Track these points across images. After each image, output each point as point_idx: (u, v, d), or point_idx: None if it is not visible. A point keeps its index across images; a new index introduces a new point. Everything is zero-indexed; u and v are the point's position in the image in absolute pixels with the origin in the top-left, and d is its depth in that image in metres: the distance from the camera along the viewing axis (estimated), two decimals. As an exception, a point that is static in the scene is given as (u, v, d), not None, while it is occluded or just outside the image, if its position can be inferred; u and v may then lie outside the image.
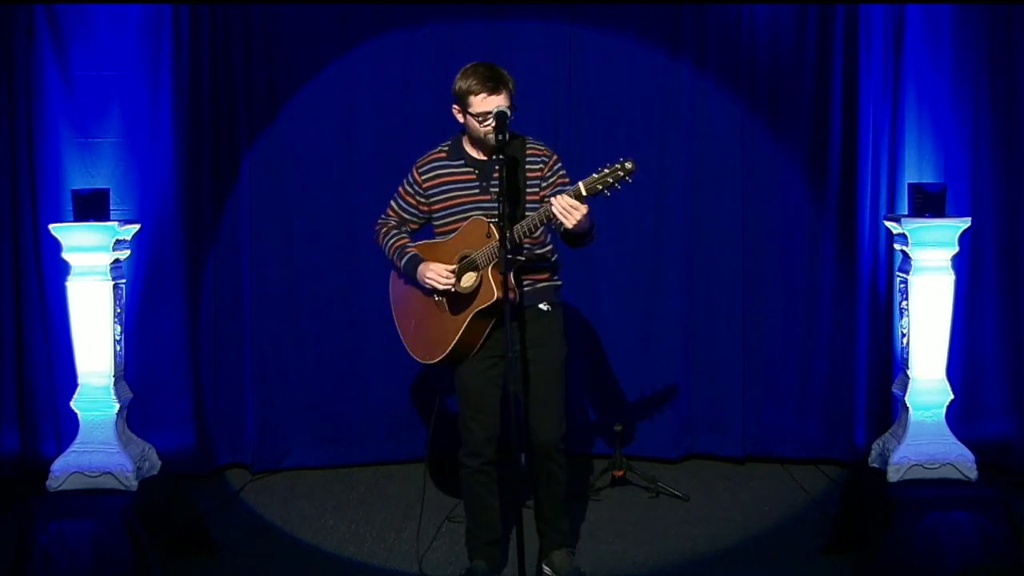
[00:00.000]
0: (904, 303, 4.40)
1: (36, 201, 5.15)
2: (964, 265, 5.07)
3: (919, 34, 5.21)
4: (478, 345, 3.87)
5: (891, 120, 5.26)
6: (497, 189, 3.69)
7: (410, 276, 3.93)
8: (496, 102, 3.71)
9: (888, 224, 4.62)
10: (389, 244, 4.01)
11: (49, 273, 5.11)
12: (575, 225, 3.57)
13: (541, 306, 3.90)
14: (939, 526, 3.94)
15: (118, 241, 4.31)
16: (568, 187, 3.71)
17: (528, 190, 3.85)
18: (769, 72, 5.42)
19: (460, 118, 3.83)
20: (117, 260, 4.35)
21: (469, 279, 3.82)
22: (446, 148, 3.93)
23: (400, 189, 4.01)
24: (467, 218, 3.84)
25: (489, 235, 3.75)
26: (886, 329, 5.25)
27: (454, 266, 3.82)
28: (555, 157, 3.92)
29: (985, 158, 5.24)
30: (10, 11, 5.09)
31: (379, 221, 4.09)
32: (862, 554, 4.15)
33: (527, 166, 3.86)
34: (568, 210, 3.56)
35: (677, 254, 5.49)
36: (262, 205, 5.42)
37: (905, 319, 4.40)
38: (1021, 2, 5.15)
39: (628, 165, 3.55)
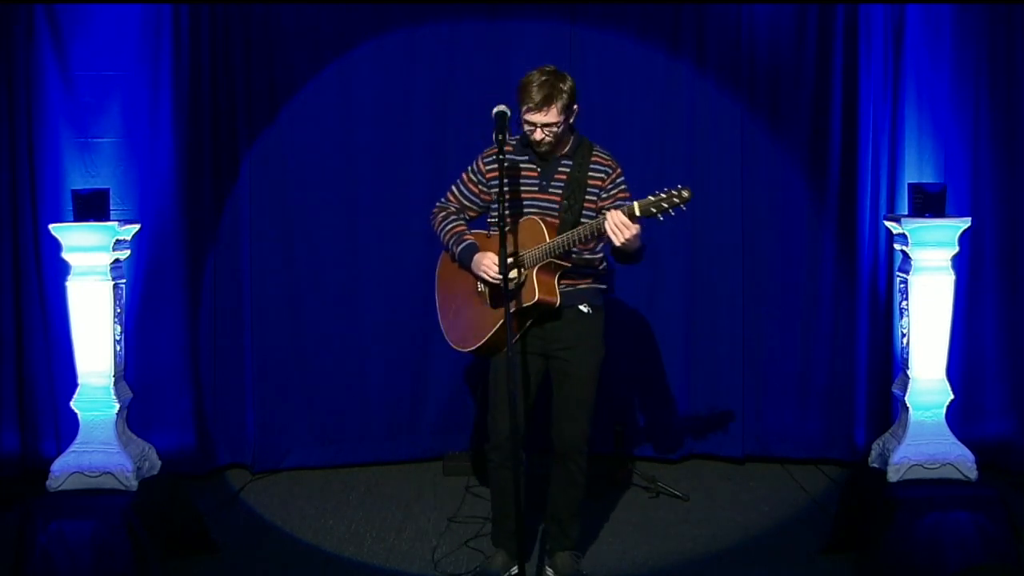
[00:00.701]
0: (904, 303, 4.40)
1: (36, 201, 5.15)
2: (964, 265, 5.07)
3: (919, 34, 5.21)
4: (513, 340, 3.86)
5: (891, 120, 5.26)
6: (560, 189, 3.76)
7: (465, 263, 3.94)
8: (539, 118, 3.73)
9: (888, 224, 4.62)
10: (447, 228, 4.02)
11: (49, 273, 5.11)
12: (623, 244, 3.61)
13: (581, 307, 3.91)
14: (939, 526, 3.94)
15: (118, 241, 4.31)
16: (624, 203, 3.73)
17: (587, 197, 3.86)
18: (769, 72, 5.42)
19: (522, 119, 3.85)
20: (117, 260, 4.35)
21: (515, 275, 3.82)
22: (514, 140, 3.94)
23: (463, 175, 4.03)
24: (523, 213, 3.86)
25: (532, 230, 3.77)
26: (886, 329, 5.26)
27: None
28: (619, 170, 3.92)
29: (985, 158, 5.24)
30: (10, 11, 5.09)
31: (437, 205, 4.10)
32: (862, 554, 4.15)
33: (590, 173, 3.87)
34: (620, 228, 3.60)
35: (677, 254, 5.49)
36: (262, 205, 5.42)
37: (905, 319, 4.40)
38: (1021, 2, 5.15)
39: (685, 194, 3.57)
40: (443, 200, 4.09)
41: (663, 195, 3.59)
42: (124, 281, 4.45)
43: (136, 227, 4.46)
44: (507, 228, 3.69)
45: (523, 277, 3.80)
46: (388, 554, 4.40)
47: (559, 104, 3.72)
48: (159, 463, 4.47)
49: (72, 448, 4.28)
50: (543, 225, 3.79)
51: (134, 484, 4.21)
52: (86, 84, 5.15)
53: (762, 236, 5.49)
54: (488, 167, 3.94)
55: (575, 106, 3.80)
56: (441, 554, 4.35)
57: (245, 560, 4.36)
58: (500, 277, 3.75)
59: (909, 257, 4.33)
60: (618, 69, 5.47)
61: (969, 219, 4.33)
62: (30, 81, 5.12)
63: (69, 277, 4.30)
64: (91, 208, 4.26)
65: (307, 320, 5.51)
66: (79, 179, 5.08)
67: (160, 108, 5.22)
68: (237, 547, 4.47)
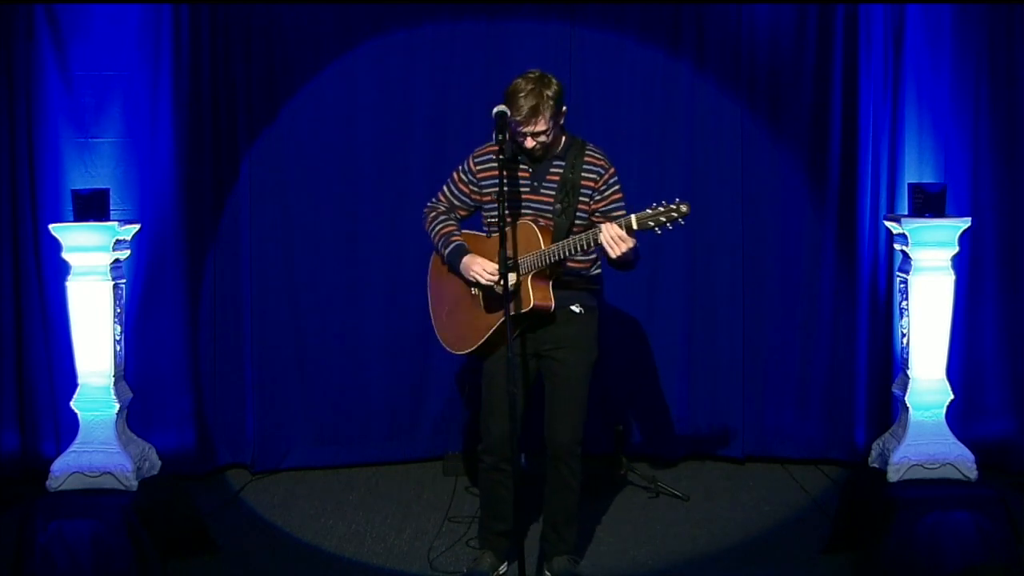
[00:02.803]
0: (904, 303, 4.40)
1: (36, 201, 5.14)
2: (964, 265, 5.07)
3: (919, 34, 5.21)
4: (504, 345, 3.86)
5: (891, 120, 5.26)
6: (552, 191, 3.75)
7: (453, 265, 3.91)
8: (527, 127, 3.71)
9: (888, 224, 4.62)
10: (436, 229, 3.99)
11: (49, 273, 5.10)
12: (619, 256, 3.60)
13: (573, 308, 3.89)
14: (939, 526, 3.94)
15: (118, 241, 4.31)
16: (618, 211, 3.74)
17: (580, 199, 3.83)
18: (769, 72, 5.42)
19: None
20: (117, 260, 4.35)
21: (510, 281, 3.81)
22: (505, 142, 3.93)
23: (454, 175, 4.01)
24: (516, 215, 3.83)
25: (527, 233, 3.75)
26: (886, 329, 5.25)
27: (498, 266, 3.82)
28: (612, 170, 3.87)
29: (985, 158, 5.24)
30: (10, 11, 5.09)
31: (428, 205, 4.07)
32: (862, 554, 4.15)
33: (583, 174, 3.84)
34: (616, 241, 3.59)
35: (677, 254, 5.49)
36: (262, 205, 5.42)
37: (905, 319, 4.40)
38: (1021, 2, 5.15)
39: (684, 208, 3.56)
40: (433, 200, 4.06)
41: (661, 209, 3.57)
42: (124, 281, 4.45)
43: (136, 227, 4.46)
44: (506, 227, 3.67)
45: (518, 283, 3.78)
46: (388, 554, 4.40)
47: (547, 113, 3.69)
48: (159, 463, 4.47)
49: (72, 448, 4.28)
50: (538, 230, 3.77)
51: (134, 484, 4.21)
52: (86, 84, 5.14)
53: (762, 236, 5.49)
54: (479, 167, 3.92)
55: (563, 108, 3.77)
56: (436, 553, 4.35)
57: (245, 560, 4.35)
58: (493, 281, 3.75)
59: (909, 257, 4.33)
60: (618, 69, 5.47)
61: (969, 219, 4.33)
62: (30, 81, 5.12)
63: (69, 277, 4.31)
64: (91, 208, 4.27)
65: (307, 320, 5.51)
66: (79, 179, 5.08)
67: (160, 108, 5.22)
68: (237, 547, 4.46)
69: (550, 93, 3.70)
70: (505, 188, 3.69)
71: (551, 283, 3.80)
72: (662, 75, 5.47)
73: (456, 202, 4.01)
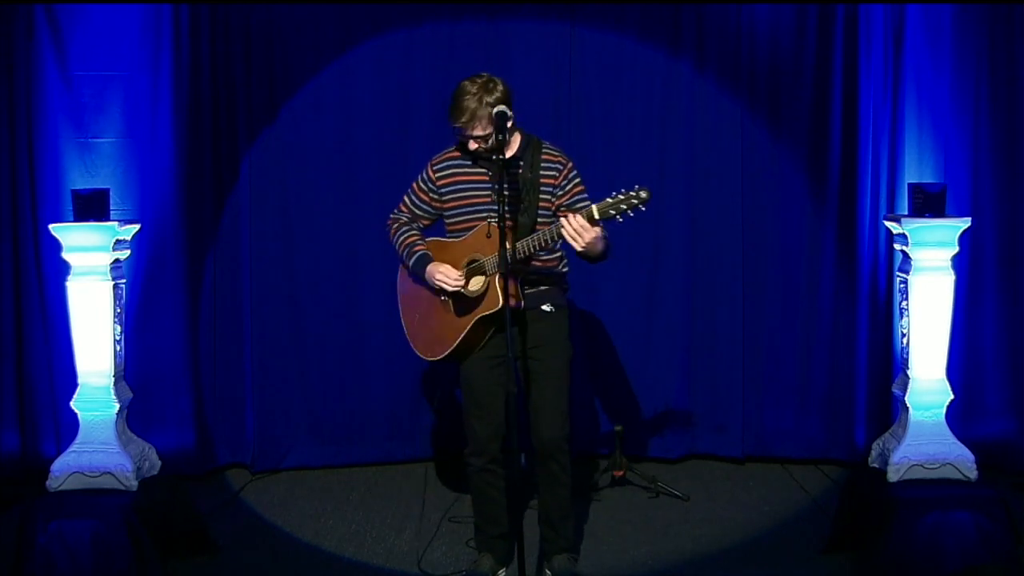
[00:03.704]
0: (904, 303, 4.40)
1: (36, 201, 5.14)
2: (964, 265, 5.07)
3: (919, 34, 5.21)
4: (479, 346, 3.89)
5: (891, 120, 5.26)
6: (507, 191, 3.70)
7: (418, 274, 3.93)
8: (469, 133, 3.73)
9: (888, 224, 4.62)
10: (400, 240, 4.01)
11: (49, 273, 5.10)
12: (584, 247, 3.60)
13: (544, 307, 3.89)
14: (939, 526, 3.94)
15: (118, 241, 4.31)
16: (582, 203, 3.73)
17: (541, 197, 3.84)
18: (769, 72, 5.42)
19: None
20: (117, 260, 4.35)
21: (477, 283, 3.82)
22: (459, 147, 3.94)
23: (414, 184, 4.02)
24: (479, 218, 3.84)
25: (489, 235, 3.75)
26: (886, 329, 5.25)
27: (463, 270, 3.83)
28: (570, 164, 3.89)
29: (985, 158, 5.24)
30: (10, 11, 5.09)
31: (391, 216, 4.08)
32: (862, 554, 4.15)
33: (541, 172, 3.84)
34: (578, 232, 3.58)
35: (677, 254, 5.49)
36: (262, 205, 5.42)
37: (905, 319, 4.40)
38: (1021, 2, 5.15)
39: (643, 194, 3.54)
40: (395, 211, 4.07)
41: (621, 196, 3.56)
42: (124, 281, 4.45)
43: (136, 227, 4.46)
44: (501, 226, 3.61)
45: (486, 284, 3.79)
46: (388, 554, 4.40)
47: (484, 120, 3.71)
48: (159, 463, 4.48)
49: (72, 448, 4.29)
50: (490, 224, 3.76)
51: (134, 484, 4.22)
52: (86, 84, 5.14)
53: (762, 236, 5.49)
54: (438, 174, 3.92)
55: (510, 112, 3.74)
56: (435, 553, 4.35)
57: (245, 560, 4.36)
58: (458, 286, 3.79)
59: (909, 257, 4.33)
60: (618, 69, 5.47)
61: (969, 219, 4.34)
62: (30, 81, 5.12)
63: (69, 277, 4.31)
64: (91, 208, 4.27)
65: (307, 320, 5.51)
66: (79, 179, 5.08)
67: (160, 108, 5.22)
68: (237, 547, 4.46)
69: (491, 99, 3.72)
70: (506, 190, 3.68)
71: (519, 281, 3.79)
72: (662, 75, 5.47)
73: (418, 211, 4.02)
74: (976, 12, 5.18)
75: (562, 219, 3.61)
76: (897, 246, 4.47)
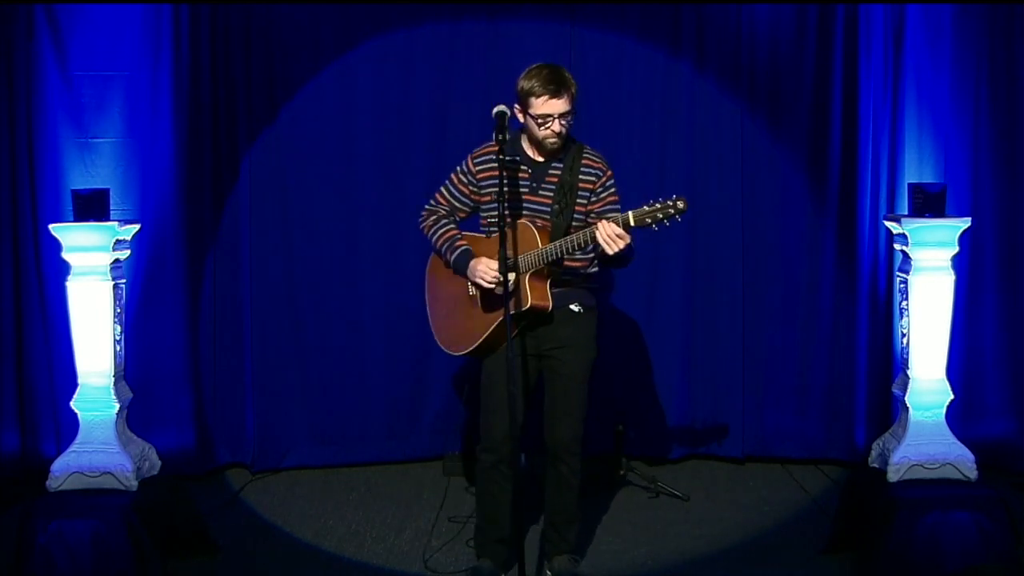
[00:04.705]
0: (904, 303, 4.40)
1: (36, 201, 5.14)
2: (964, 265, 5.07)
3: (919, 34, 5.21)
4: (503, 345, 3.85)
5: (891, 120, 5.26)
6: (551, 192, 3.75)
7: (460, 270, 3.89)
8: (557, 107, 3.71)
9: (888, 224, 4.62)
10: (439, 233, 3.97)
11: (49, 273, 5.10)
12: (615, 253, 3.60)
13: (572, 307, 3.88)
14: (939, 526, 3.94)
15: (118, 241, 4.31)
16: (615, 211, 3.74)
17: (578, 201, 3.84)
18: (769, 72, 5.42)
19: (521, 118, 3.82)
20: (117, 260, 4.35)
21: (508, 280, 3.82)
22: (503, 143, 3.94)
23: (452, 177, 3.99)
24: (515, 216, 3.83)
25: (532, 230, 3.76)
26: (886, 329, 5.25)
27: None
28: (609, 173, 3.89)
29: (985, 158, 5.24)
30: (10, 11, 5.09)
31: (427, 208, 4.05)
32: (862, 554, 4.15)
33: (580, 176, 3.84)
34: (612, 239, 3.58)
35: (677, 254, 5.49)
36: (262, 205, 5.42)
37: (905, 319, 4.40)
38: (1021, 2, 5.15)
39: (680, 204, 3.55)
40: (432, 203, 4.04)
41: (658, 205, 3.57)
42: (124, 281, 4.45)
43: (136, 227, 4.46)
44: (505, 227, 3.67)
45: (516, 282, 3.78)
46: (388, 554, 4.40)
47: (572, 91, 3.73)
48: (159, 463, 4.47)
49: (72, 448, 4.28)
50: (535, 230, 3.77)
51: (134, 484, 4.22)
52: (86, 84, 5.14)
53: (762, 236, 5.49)
54: (479, 167, 3.91)
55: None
56: (433, 553, 4.35)
57: (245, 560, 4.36)
58: (495, 282, 3.75)
59: (909, 257, 4.33)
60: (618, 69, 5.47)
61: (969, 219, 4.33)
62: (30, 81, 5.12)
63: (69, 277, 4.31)
64: (91, 208, 4.27)
65: (307, 320, 5.51)
66: (79, 179, 5.07)
67: (160, 108, 5.22)
68: (237, 547, 4.46)
69: (570, 76, 3.74)
70: (506, 188, 3.69)
71: (548, 282, 3.80)
72: (662, 75, 5.46)
73: (457, 204, 4.00)
74: (976, 12, 5.18)
75: (598, 224, 3.61)
76: (897, 246, 4.47)
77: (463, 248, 3.91)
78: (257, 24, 5.34)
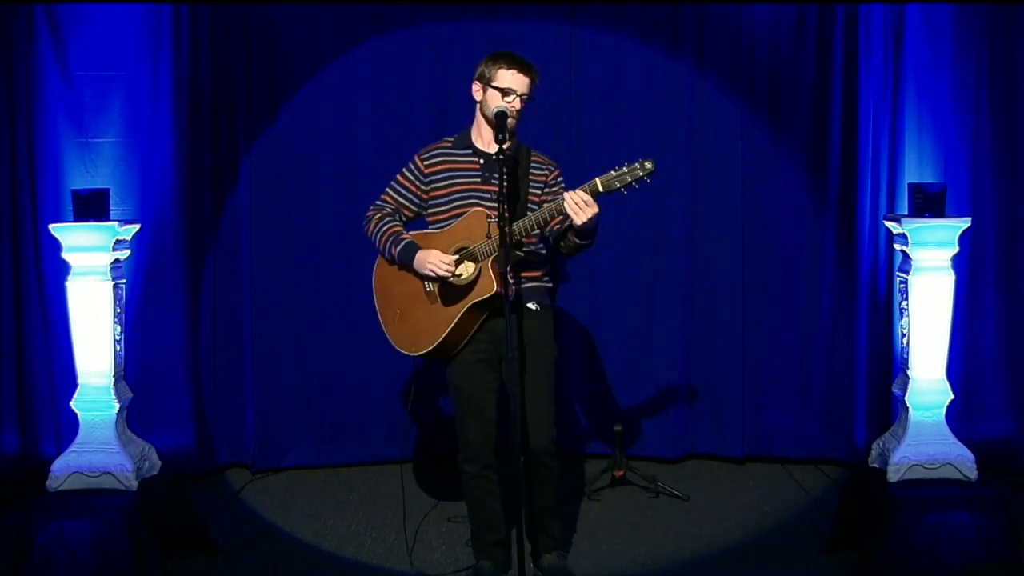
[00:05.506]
0: (904, 303, 4.40)
1: (36, 201, 5.14)
2: (964, 265, 5.07)
3: (919, 34, 5.21)
4: (466, 339, 3.84)
5: (891, 120, 5.26)
6: (498, 182, 3.70)
7: (406, 263, 3.88)
8: (523, 82, 3.76)
9: (888, 224, 4.62)
10: (382, 230, 3.96)
11: (49, 273, 5.10)
12: (583, 223, 3.57)
13: (529, 305, 3.87)
14: (939, 526, 3.94)
15: (118, 241, 4.31)
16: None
17: (531, 190, 3.86)
18: (769, 72, 5.42)
19: (479, 95, 3.85)
20: (117, 260, 4.35)
21: (466, 270, 3.79)
22: (451, 139, 3.96)
23: (399, 176, 4.00)
24: (466, 207, 3.82)
25: (489, 235, 3.74)
26: (886, 329, 5.25)
27: (454, 256, 3.81)
28: (558, 171, 3.96)
29: (985, 158, 5.24)
30: (10, 11, 5.09)
31: (372, 207, 4.04)
32: (862, 554, 4.15)
33: (531, 170, 3.85)
34: (581, 206, 3.56)
35: (677, 254, 5.49)
36: (262, 205, 5.42)
37: (905, 319, 4.40)
38: (1021, 2, 5.15)
39: (648, 165, 3.54)
40: (378, 202, 4.03)
41: (626, 168, 3.55)
42: (124, 281, 4.45)
43: (136, 227, 4.46)
44: (502, 224, 3.61)
45: (479, 270, 3.76)
46: (388, 554, 4.40)
47: (536, 80, 3.80)
48: (159, 463, 4.47)
49: (72, 448, 4.28)
50: (490, 224, 3.74)
51: (134, 484, 4.22)
52: (86, 84, 5.14)
53: (762, 236, 5.49)
54: (428, 163, 3.91)
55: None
56: (432, 553, 4.35)
57: (245, 560, 4.36)
58: (449, 271, 3.75)
59: (909, 257, 4.33)
60: (618, 69, 5.47)
61: (969, 219, 4.33)
62: (30, 81, 5.12)
63: (69, 277, 4.31)
64: (91, 208, 4.27)
65: (307, 320, 5.51)
66: (79, 179, 5.08)
67: (160, 108, 5.22)
68: (237, 547, 4.46)
69: (536, 71, 3.83)
70: (505, 187, 3.68)
71: (509, 272, 3.72)
72: (662, 75, 5.47)
73: (403, 201, 3.99)
74: (976, 12, 5.18)
75: (565, 194, 3.60)
76: (897, 246, 4.47)
77: (407, 241, 3.89)
78: (257, 24, 5.34)
